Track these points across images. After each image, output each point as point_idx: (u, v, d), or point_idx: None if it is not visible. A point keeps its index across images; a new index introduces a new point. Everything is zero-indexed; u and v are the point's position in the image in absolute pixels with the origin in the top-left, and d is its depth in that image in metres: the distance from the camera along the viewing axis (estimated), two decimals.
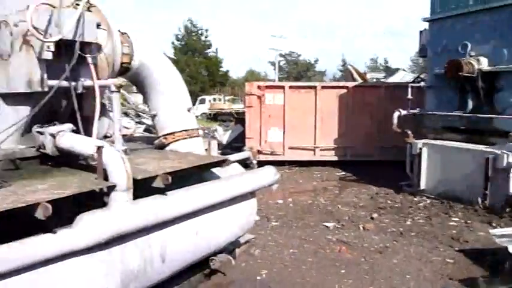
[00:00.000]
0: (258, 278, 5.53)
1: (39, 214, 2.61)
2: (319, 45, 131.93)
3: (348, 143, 14.58)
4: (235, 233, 5.00)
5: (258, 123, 14.40)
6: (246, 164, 5.54)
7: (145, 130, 15.81)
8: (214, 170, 4.60)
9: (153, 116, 4.95)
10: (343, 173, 13.53)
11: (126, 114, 16.64)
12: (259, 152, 13.41)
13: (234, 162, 4.80)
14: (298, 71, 73.39)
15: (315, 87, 14.84)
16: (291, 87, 15.09)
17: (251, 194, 4.99)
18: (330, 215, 8.75)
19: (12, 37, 3.53)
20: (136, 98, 18.89)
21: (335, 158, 14.65)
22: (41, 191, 2.89)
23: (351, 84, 15.56)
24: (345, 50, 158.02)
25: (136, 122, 16.04)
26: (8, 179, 3.21)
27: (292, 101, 14.54)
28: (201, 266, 5.00)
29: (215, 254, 5.01)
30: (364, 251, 6.62)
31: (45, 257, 2.72)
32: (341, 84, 16.09)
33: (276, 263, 6.09)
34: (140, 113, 17.33)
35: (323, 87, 15.09)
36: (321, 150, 14.68)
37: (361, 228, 7.82)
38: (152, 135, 13.16)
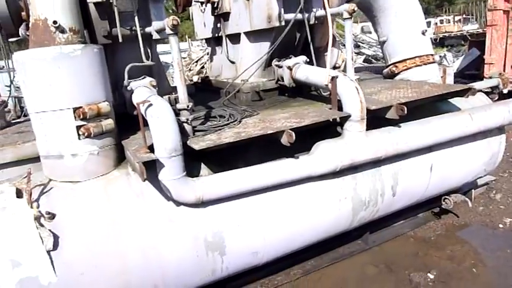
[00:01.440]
0: (501, 226, 4.79)
1: (284, 140, 2.85)
2: None
3: None
4: (475, 172, 4.39)
5: (503, 45, 11.79)
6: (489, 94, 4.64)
7: (365, 61, 15.36)
8: (453, 100, 4.03)
9: (382, 43, 4.61)
10: None
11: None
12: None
13: (478, 91, 4.06)
14: None
15: None
16: None
17: (499, 130, 4.20)
18: None
19: None
20: (355, 29, 18.36)
21: None
22: (283, 119, 3.14)
23: None
24: None
25: (356, 53, 15.71)
26: (255, 108, 3.64)
27: None
28: (430, 203, 4.71)
29: (448, 193, 4.59)
30: None
31: (288, 179, 3.02)
32: None
33: None
34: (359, 43, 16.85)
35: None
36: None
37: None
38: (373, 64, 12.70)
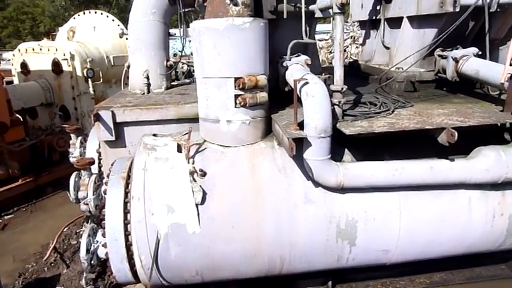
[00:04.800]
0: None
1: (442, 139, 2.59)
2: None
3: None
4: None
5: None
6: None
7: None
8: None
9: None
10: None
11: None
12: None
13: None
14: None
15: None
16: None
17: None
18: None
19: None
20: None
21: None
22: (443, 116, 2.85)
23: None
24: None
25: None
26: (409, 99, 3.38)
27: None
28: None
29: None
30: None
31: (438, 181, 2.75)
32: None
33: None
34: None
35: None
36: None
37: None
38: None
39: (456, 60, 3.38)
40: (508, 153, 2.73)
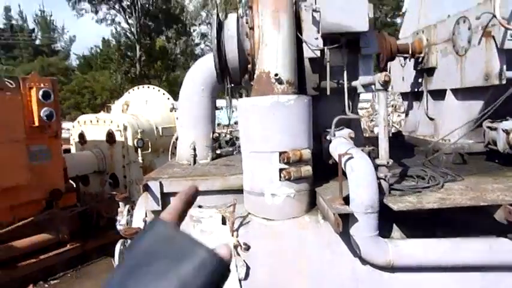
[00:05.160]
0: None
1: (500, 216, 2.44)
2: None
3: None
4: None
5: None
6: None
7: None
8: None
9: None
10: None
11: None
12: None
13: None
14: None
15: None
16: None
17: None
18: None
19: (470, 31, 3.53)
20: None
21: None
22: (498, 191, 2.71)
23: None
24: None
25: None
26: (459, 172, 3.26)
27: None
28: None
29: None
30: None
31: (498, 262, 2.55)
32: None
33: None
34: None
35: None
36: None
37: None
38: None
39: (507, 132, 3.29)
40: None
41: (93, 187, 8.03)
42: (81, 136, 8.14)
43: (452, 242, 2.53)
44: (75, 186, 7.54)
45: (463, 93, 3.78)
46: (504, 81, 3.28)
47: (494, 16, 3.11)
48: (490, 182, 2.96)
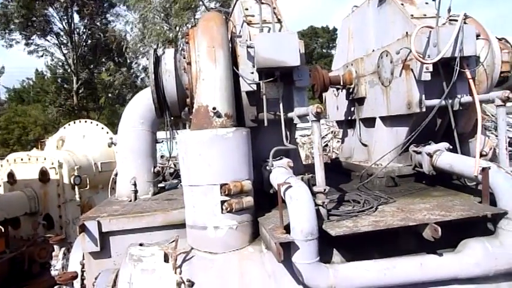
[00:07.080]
0: None
1: (427, 234, 2.63)
2: None
3: None
4: None
5: None
6: None
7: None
8: None
9: None
10: None
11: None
12: None
13: None
14: None
15: None
16: None
17: None
18: None
19: (392, 64, 3.86)
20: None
21: None
22: (425, 210, 2.92)
23: None
24: None
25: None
26: (391, 194, 3.48)
27: None
28: None
29: None
30: None
31: (430, 277, 2.72)
32: None
33: None
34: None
35: None
36: None
37: None
38: None
39: (430, 155, 3.58)
40: (494, 245, 2.76)
41: (25, 230, 7.43)
42: (11, 175, 7.58)
43: (388, 262, 2.66)
44: (3, 230, 6.94)
45: (390, 120, 4.09)
46: (424, 109, 3.60)
47: (411, 51, 3.44)
48: (418, 202, 3.18)
